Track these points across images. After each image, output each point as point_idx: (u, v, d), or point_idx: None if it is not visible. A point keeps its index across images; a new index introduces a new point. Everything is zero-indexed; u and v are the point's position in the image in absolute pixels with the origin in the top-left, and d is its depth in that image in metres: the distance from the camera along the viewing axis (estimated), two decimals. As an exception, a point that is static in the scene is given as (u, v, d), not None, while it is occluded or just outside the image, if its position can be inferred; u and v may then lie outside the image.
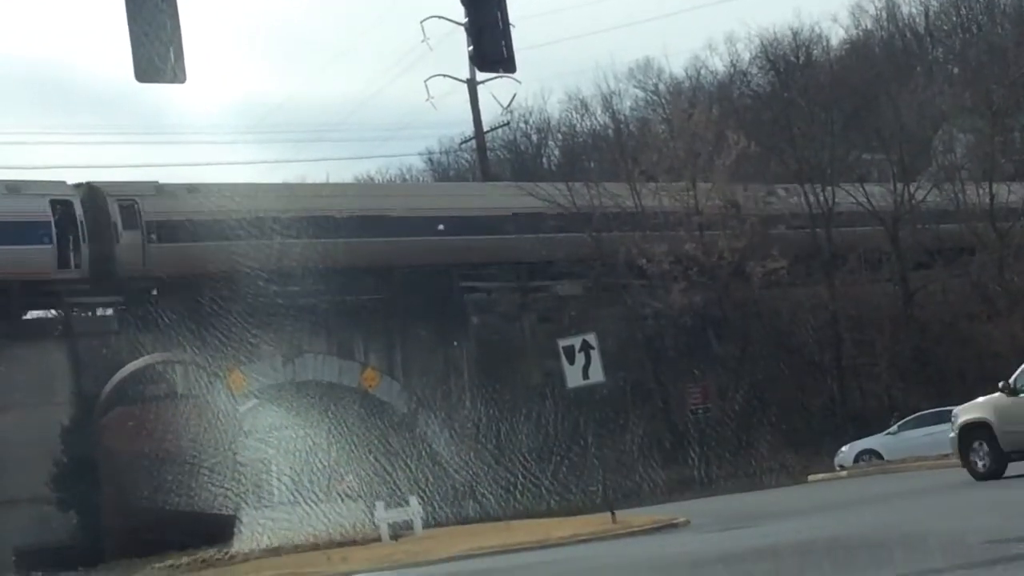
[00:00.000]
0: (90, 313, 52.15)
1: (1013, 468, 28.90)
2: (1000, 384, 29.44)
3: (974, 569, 12.90)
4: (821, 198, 57.94)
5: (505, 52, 22.41)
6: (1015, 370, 29.34)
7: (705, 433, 51.66)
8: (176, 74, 19.91)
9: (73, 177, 51.92)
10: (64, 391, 47.39)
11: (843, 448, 46.70)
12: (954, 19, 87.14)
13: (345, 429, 44.75)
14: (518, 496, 45.22)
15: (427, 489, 44.91)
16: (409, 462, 46.69)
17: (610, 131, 79.65)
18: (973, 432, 29.58)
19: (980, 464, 29.24)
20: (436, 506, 42.56)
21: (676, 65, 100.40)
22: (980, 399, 30.45)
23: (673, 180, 57.98)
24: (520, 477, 45.84)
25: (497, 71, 37.31)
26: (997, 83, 60.86)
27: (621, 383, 48.18)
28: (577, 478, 43.12)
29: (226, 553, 34.13)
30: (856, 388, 56.67)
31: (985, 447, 29.14)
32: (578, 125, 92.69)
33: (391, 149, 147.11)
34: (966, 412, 30.39)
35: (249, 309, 45.28)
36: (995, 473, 28.42)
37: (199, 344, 43.65)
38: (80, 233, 49.31)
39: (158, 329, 45.65)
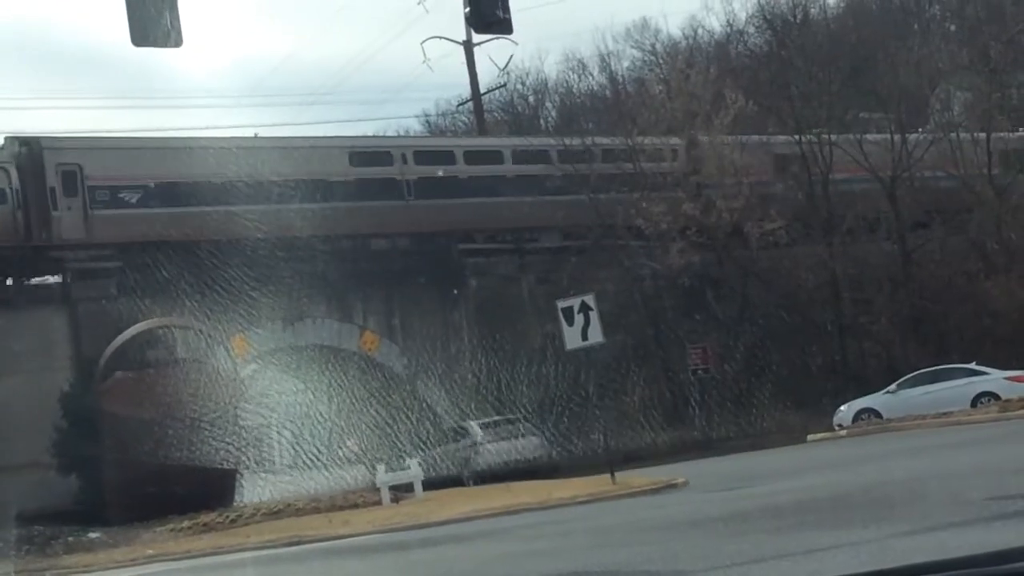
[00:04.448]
0: (90, 278, 52.08)
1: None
2: None
3: (974, 525, 12.95)
4: (820, 158, 57.87)
5: (501, 13, 22.36)
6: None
7: (705, 394, 51.76)
8: (172, 37, 19.87)
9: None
10: (64, 356, 47.44)
11: (842, 407, 46.75)
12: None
13: (345, 393, 44.88)
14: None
15: (427, 448, 45.19)
16: (409, 424, 46.88)
17: (607, 92, 79.61)
18: None
19: None
20: (437, 468, 42.76)
21: (673, 25, 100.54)
22: None
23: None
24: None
25: (494, 32, 37.29)
26: (995, 40, 60.64)
27: (620, 344, 48.21)
28: (579, 428, 43.19)
29: (227, 516, 34.23)
30: (855, 347, 56.74)
31: None
32: (575, 86, 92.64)
33: (388, 111, 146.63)
34: None
35: (250, 273, 45.32)
36: None
37: (200, 308, 43.69)
38: None
39: (158, 293, 45.70)
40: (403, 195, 55.08)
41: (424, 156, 57.68)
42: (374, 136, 61.17)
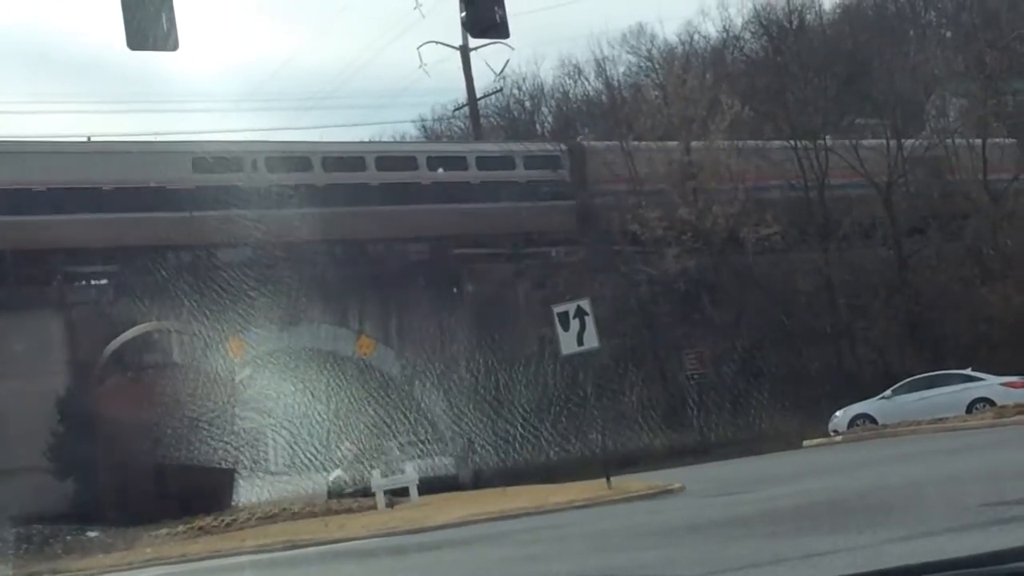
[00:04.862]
0: (86, 282, 51.99)
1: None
2: None
3: (970, 531, 12.95)
4: (815, 164, 57.93)
5: (498, 17, 22.39)
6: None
7: (702, 398, 51.75)
8: (169, 41, 19.88)
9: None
10: (60, 360, 47.39)
11: (837, 413, 46.76)
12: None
13: (341, 397, 44.91)
14: (517, 448, 45.49)
15: (424, 452, 45.32)
16: (405, 429, 46.99)
17: (604, 97, 79.59)
18: None
19: None
20: (434, 471, 42.88)
21: (669, 30, 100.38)
22: None
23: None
24: (520, 429, 46.13)
25: (490, 37, 37.34)
26: (990, 47, 60.70)
27: (618, 348, 48.26)
28: (576, 431, 43.21)
29: (222, 520, 34.24)
30: (851, 353, 56.75)
31: None
32: (571, 91, 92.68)
33: (385, 116, 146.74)
34: None
35: (247, 276, 45.33)
36: None
37: (197, 311, 43.73)
38: None
39: (155, 296, 45.71)
40: (250, 204, 51.33)
41: (277, 163, 54.16)
42: (223, 141, 56.84)
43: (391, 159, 57.70)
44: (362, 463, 44.31)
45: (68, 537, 33.80)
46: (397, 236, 54.49)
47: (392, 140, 64.19)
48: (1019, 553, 4.38)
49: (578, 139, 61.45)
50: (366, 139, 73.97)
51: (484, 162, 58.04)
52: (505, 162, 58.19)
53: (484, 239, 56.47)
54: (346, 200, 53.30)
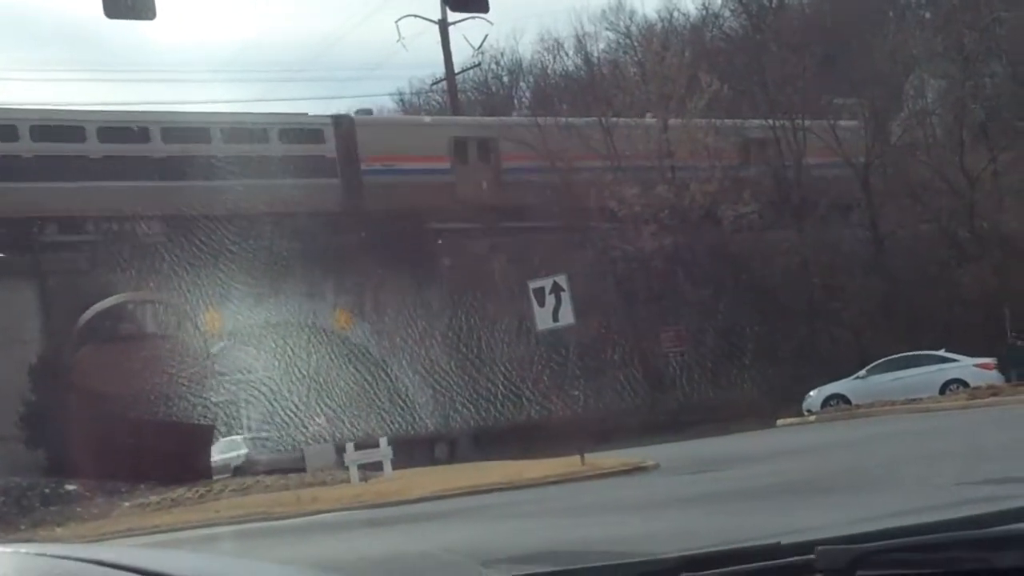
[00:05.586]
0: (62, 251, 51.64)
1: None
2: None
3: (944, 509, 12.98)
4: (793, 143, 58.00)
5: (479, -9, 22.35)
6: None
7: (676, 376, 51.80)
8: (146, 10, 19.79)
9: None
10: (34, 330, 47.20)
11: (811, 393, 46.87)
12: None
13: (316, 371, 44.86)
14: (499, 407, 45.49)
15: (398, 427, 45.31)
16: (381, 403, 46.93)
17: (582, 73, 79.53)
18: None
19: None
20: (407, 445, 42.85)
21: (649, 7, 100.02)
22: None
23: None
24: (497, 409, 46.13)
25: (469, 11, 37.24)
26: (969, 28, 60.85)
27: (595, 326, 48.26)
28: (551, 404, 43.24)
29: (196, 492, 34.18)
30: (826, 332, 56.89)
31: None
32: (550, 67, 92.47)
33: (362, 89, 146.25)
34: None
35: (224, 248, 45.18)
36: None
37: (173, 282, 43.59)
38: None
39: (131, 267, 45.52)
40: None
41: None
42: None
43: (115, 130, 51.92)
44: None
45: (46, 490, 33.74)
46: (127, 215, 49.10)
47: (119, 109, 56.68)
48: (995, 517, 4.42)
49: (355, 112, 59.67)
50: (343, 112, 73.75)
51: (231, 134, 53.92)
52: (256, 135, 54.37)
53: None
54: (66, 174, 48.38)
